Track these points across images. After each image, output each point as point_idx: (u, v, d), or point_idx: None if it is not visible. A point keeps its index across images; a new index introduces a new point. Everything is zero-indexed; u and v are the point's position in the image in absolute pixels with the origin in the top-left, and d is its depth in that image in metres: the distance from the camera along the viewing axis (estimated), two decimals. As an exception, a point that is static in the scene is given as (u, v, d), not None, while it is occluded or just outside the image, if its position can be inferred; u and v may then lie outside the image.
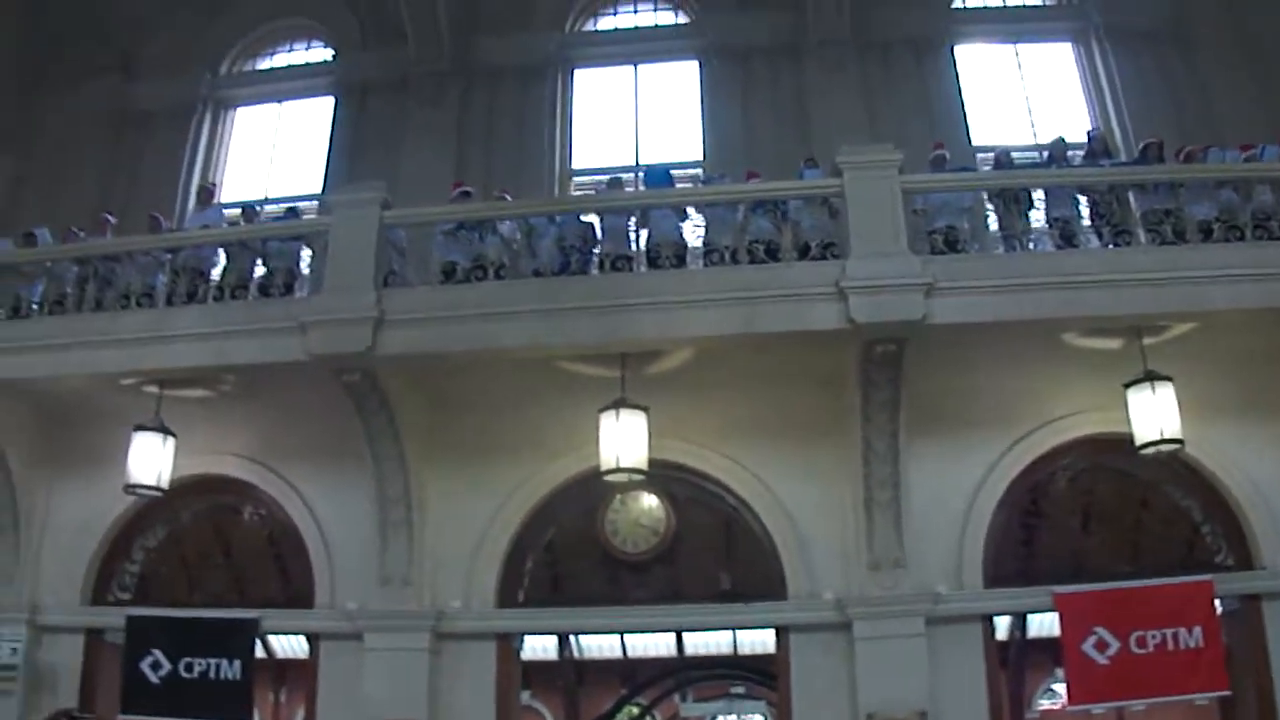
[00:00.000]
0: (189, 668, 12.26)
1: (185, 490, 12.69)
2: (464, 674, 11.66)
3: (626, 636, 19.39)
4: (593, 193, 14.00)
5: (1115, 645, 10.54)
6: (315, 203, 15.95)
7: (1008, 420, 11.33)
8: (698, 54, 16.89)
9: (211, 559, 13.13)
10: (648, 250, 11.17)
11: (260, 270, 12.14)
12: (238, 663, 12.19)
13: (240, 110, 18.62)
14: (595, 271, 11.14)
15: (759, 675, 18.52)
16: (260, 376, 11.53)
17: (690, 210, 11.31)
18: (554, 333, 10.49)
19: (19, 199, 17.57)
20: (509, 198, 12.48)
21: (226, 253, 12.30)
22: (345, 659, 11.85)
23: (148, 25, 18.65)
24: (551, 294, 10.61)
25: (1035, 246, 10.88)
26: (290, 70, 18.55)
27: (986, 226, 11.39)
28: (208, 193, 15.62)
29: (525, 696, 12.94)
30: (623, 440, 10.52)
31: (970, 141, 15.20)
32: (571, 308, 10.45)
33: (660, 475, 11.42)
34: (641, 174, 15.47)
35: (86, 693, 12.73)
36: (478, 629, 11.75)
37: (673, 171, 13.74)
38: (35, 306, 12.75)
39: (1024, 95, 16.16)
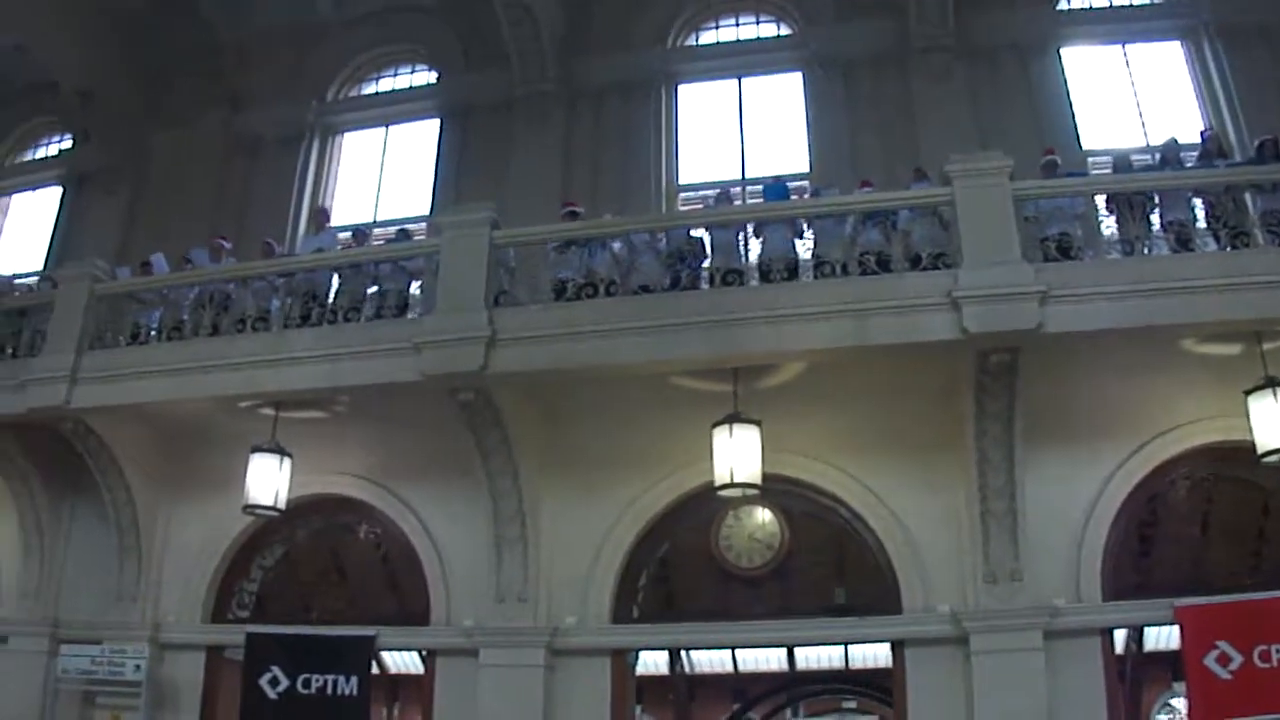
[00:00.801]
0: (307, 684, 12.81)
1: (302, 510, 13.40)
2: (579, 690, 12.01)
3: (738, 651, 19.56)
4: (700, 208, 14.30)
5: (1238, 659, 10.42)
6: (424, 224, 16.59)
7: (1125, 429, 11.33)
8: (801, 65, 17.10)
9: (328, 577, 13.81)
10: (759, 264, 11.49)
11: (373, 291, 12.70)
12: (355, 679, 12.74)
13: (348, 135, 19.37)
14: (706, 286, 11.37)
15: (871, 690, 18.71)
16: (374, 397, 12.07)
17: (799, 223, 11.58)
18: (666, 348, 10.76)
19: (134, 229, 18.55)
20: (616, 215, 12.94)
21: (339, 275, 12.90)
22: (461, 675, 12.30)
23: (254, 56, 19.62)
24: (663, 309, 10.89)
25: (1150, 251, 10.79)
26: (395, 94, 19.23)
27: (1100, 232, 11.51)
28: (323, 216, 16.26)
29: (636, 712, 13.19)
30: (736, 455, 10.79)
31: (1081, 146, 15.17)
32: (683, 323, 10.70)
33: (774, 490, 11.67)
34: (747, 188, 15.83)
35: (207, 709, 13.47)
36: (592, 645, 12.11)
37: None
38: (154, 333, 13.53)
39: (1134, 96, 16.07)
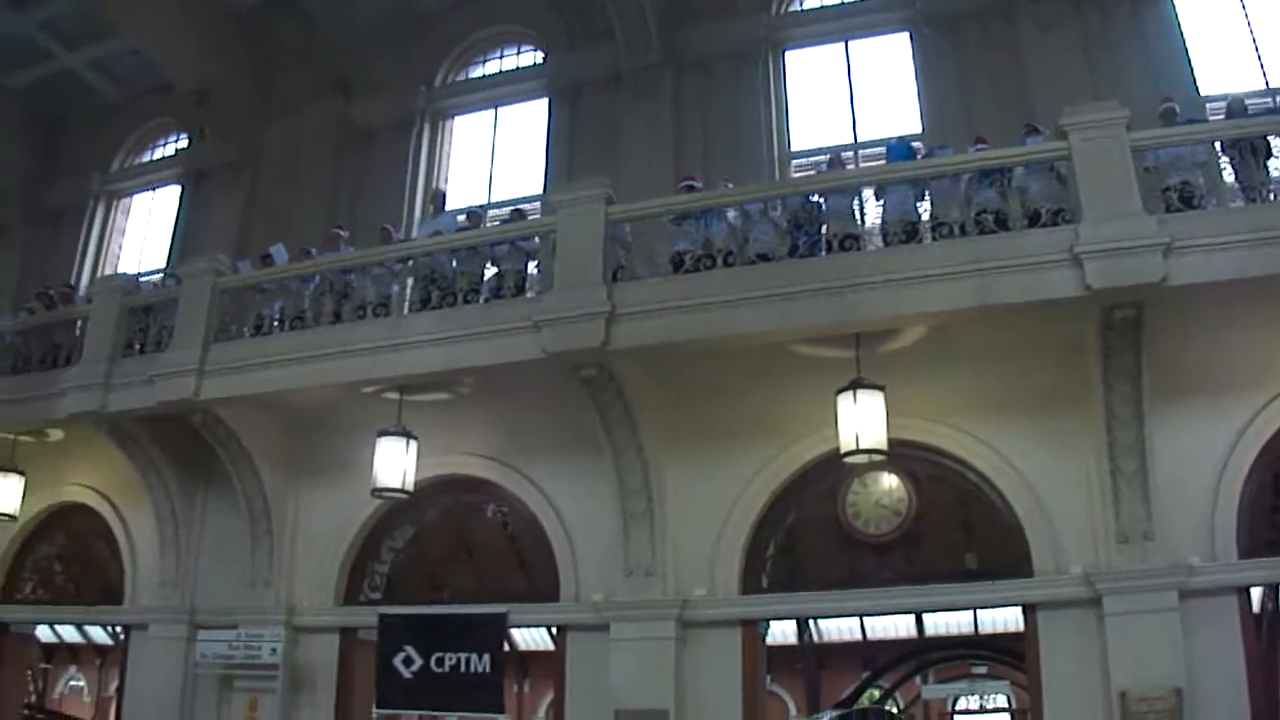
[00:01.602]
0: (440, 662, 13.54)
1: (429, 491, 14.10)
2: (709, 661, 12.42)
3: (866, 619, 19.75)
4: (813, 174, 14.46)
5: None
6: (538, 203, 17.12)
7: (1256, 381, 11.20)
8: (907, 25, 17.17)
9: (457, 556, 14.43)
10: (878, 227, 11.64)
11: (491, 273, 13.20)
12: (487, 656, 13.41)
13: (458, 119, 20.08)
14: (824, 252, 11.49)
15: (1002, 654, 18.90)
16: (497, 377, 12.61)
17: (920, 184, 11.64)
18: (786, 316, 10.99)
19: (252, 221, 19.46)
20: (730, 184, 13.18)
21: (457, 258, 13.40)
22: (592, 650, 12.87)
23: (362, 45, 20.34)
24: (781, 277, 11.10)
25: (1276, 197, 10.69)
26: (503, 76, 19.86)
27: (1223, 180, 11.39)
28: (439, 199, 16.87)
29: (766, 682, 13.53)
30: (861, 421, 11.06)
31: (1198, 91, 15.02)
32: (802, 290, 10.90)
33: (900, 455, 11.87)
34: (860, 151, 16.06)
35: (342, 689, 14.26)
36: (722, 616, 12.51)
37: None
38: (277, 323, 14.24)
39: (1251, 38, 15.72)
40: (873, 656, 24.05)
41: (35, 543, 17.86)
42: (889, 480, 12.48)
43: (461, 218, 15.80)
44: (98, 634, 26.18)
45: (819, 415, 11.62)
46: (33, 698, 24.62)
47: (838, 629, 23.10)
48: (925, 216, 11.48)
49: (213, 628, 14.87)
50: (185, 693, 14.77)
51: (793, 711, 25.13)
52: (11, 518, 16.57)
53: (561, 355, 11.77)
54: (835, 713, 21.86)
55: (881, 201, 11.67)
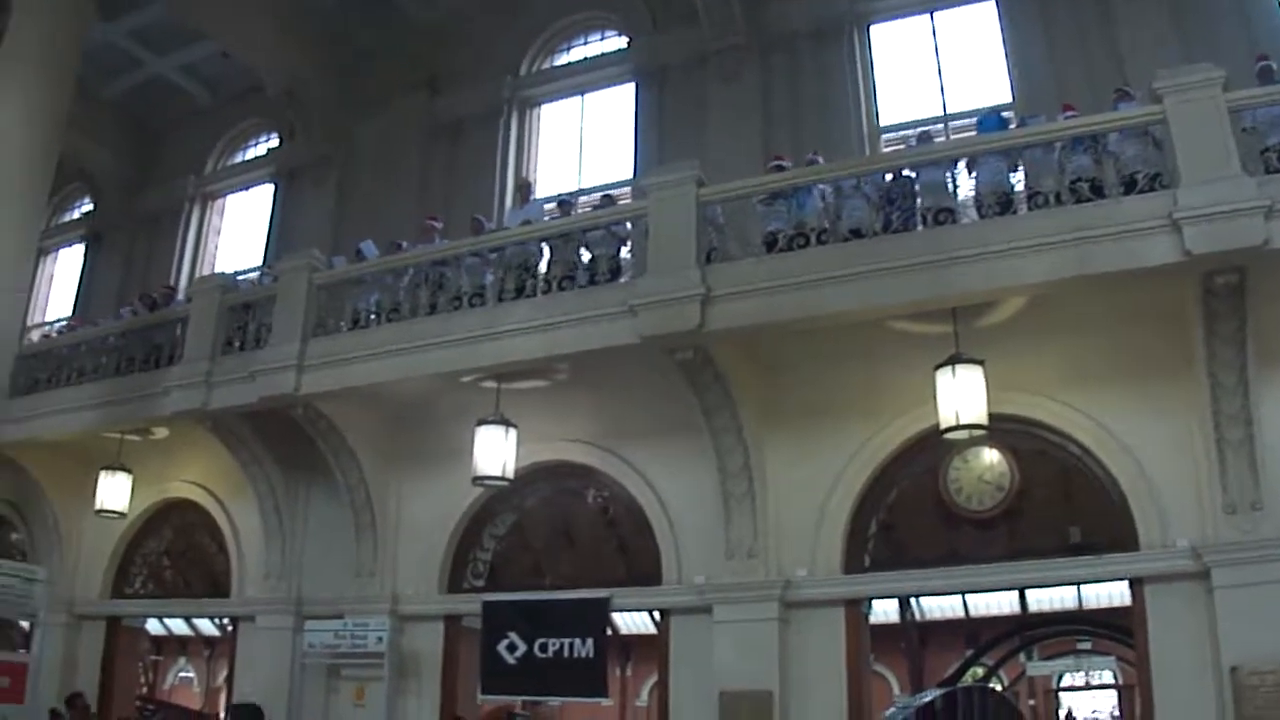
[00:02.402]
0: (544, 648, 13.85)
1: (529, 478, 14.43)
2: (813, 642, 12.55)
3: (968, 596, 19.68)
4: (903, 148, 14.50)
5: None
6: (629, 188, 17.34)
7: None
8: (994, -8, 17.06)
9: (558, 542, 14.75)
10: (972, 199, 11.59)
11: (584, 259, 13.35)
12: (590, 641, 13.68)
13: (545, 107, 20.39)
14: (918, 227, 11.43)
15: (1107, 630, 18.79)
16: (593, 362, 12.83)
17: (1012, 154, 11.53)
18: (881, 293, 11.00)
19: (344, 216, 19.97)
20: (821, 161, 13.16)
21: (550, 246, 13.62)
22: (695, 632, 13.06)
23: (447, 38, 20.82)
24: (876, 254, 11.12)
25: None
26: (588, 62, 20.12)
27: None
28: (526, 189, 17.15)
29: (870, 661, 13.62)
30: (961, 396, 11.06)
31: None
32: (897, 266, 10.89)
33: (1001, 429, 11.86)
34: (950, 123, 16.05)
35: (448, 676, 14.62)
36: (825, 596, 12.62)
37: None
38: (373, 316, 14.56)
39: None
40: (976, 634, 24.02)
41: (143, 538, 18.56)
42: (990, 455, 12.47)
43: (550, 205, 16.13)
44: (205, 626, 27.14)
45: (918, 391, 11.65)
46: (144, 689, 25.43)
47: (940, 607, 23.11)
48: (1019, 187, 11.45)
49: (319, 618, 15.36)
50: (293, 682, 15.25)
51: (896, 690, 25.16)
52: (121, 515, 17.23)
53: (657, 339, 11.94)
54: (939, 691, 21.87)
55: (974, 173, 11.63)
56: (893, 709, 20.01)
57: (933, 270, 10.80)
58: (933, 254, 10.84)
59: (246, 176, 23.52)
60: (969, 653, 22.68)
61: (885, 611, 17.34)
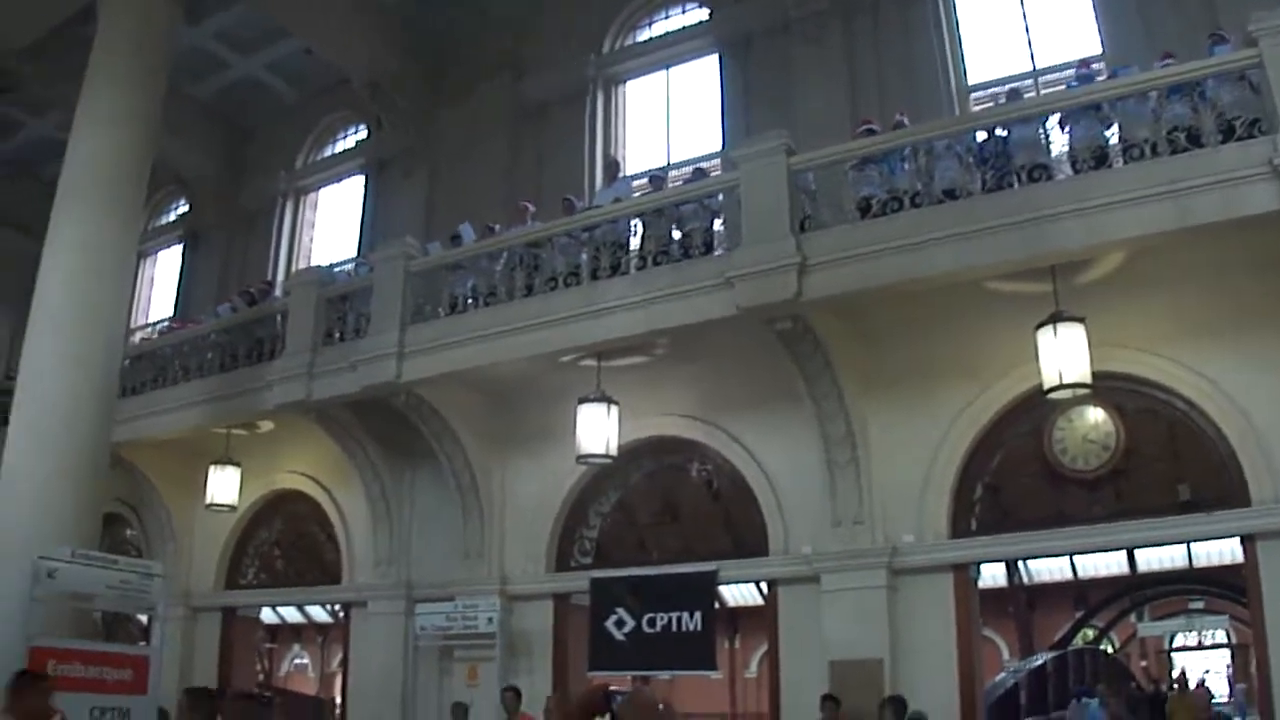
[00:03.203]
0: (652, 623, 14.13)
1: (633, 454, 14.73)
2: (922, 608, 12.64)
3: (1076, 558, 19.55)
4: (992, 106, 14.44)
5: None
6: (718, 160, 17.46)
7: None
8: (1082, -59, 16.74)
9: (663, 517, 14.99)
10: (1067, 155, 11.50)
11: (677, 234, 13.51)
12: (699, 614, 13.92)
13: (629, 83, 20.55)
14: (1013, 185, 11.33)
15: (1220, 588, 18.68)
16: (692, 336, 13.04)
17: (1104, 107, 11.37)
18: (978, 253, 11.02)
19: (436, 203, 20.36)
20: (907, 123, 13.22)
21: (642, 222, 13.82)
22: (803, 602, 13.24)
23: (529, 21, 21.04)
24: (971, 214, 11.13)
25: None
26: (670, 36, 20.18)
27: None
28: (615, 167, 17.37)
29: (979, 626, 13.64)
30: (1063, 355, 11.01)
31: None
32: (993, 225, 10.90)
33: (1104, 387, 11.80)
34: (1040, 78, 15.92)
35: (558, 654, 14.98)
36: (932, 561, 12.70)
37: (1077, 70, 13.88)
38: (470, 300, 14.87)
39: None
40: (1085, 596, 23.99)
41: (254, 530, 19.19)
42: (1095, 414, 12.42)
43: (640, 182, 16.34)
44: (318, 613, 27.80)
45: (1019, 351, 11.65)
46: (261, 676, 26.12)
47: (1048, 569, 22.99)
48: (1114, 140, 11.33)
49: (429, 600, 15.78)
50: (407, 664, 15.75)
51: (1005, 655, 25.20)
52: (231, 508, 17.78)
53: (755, 310, 12.08)
54: (1051, 655, 21.91)
55: (1067, 128, 11.57)
56: (1003, 674, 20.16)
57: (1029, 228, 10.77)
58: (1029, 212, 10.80)
59: (337, 169, 24.06)
60: (1078, 615, 22.70)
61: (993, 576, 17.29)
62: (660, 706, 2.11)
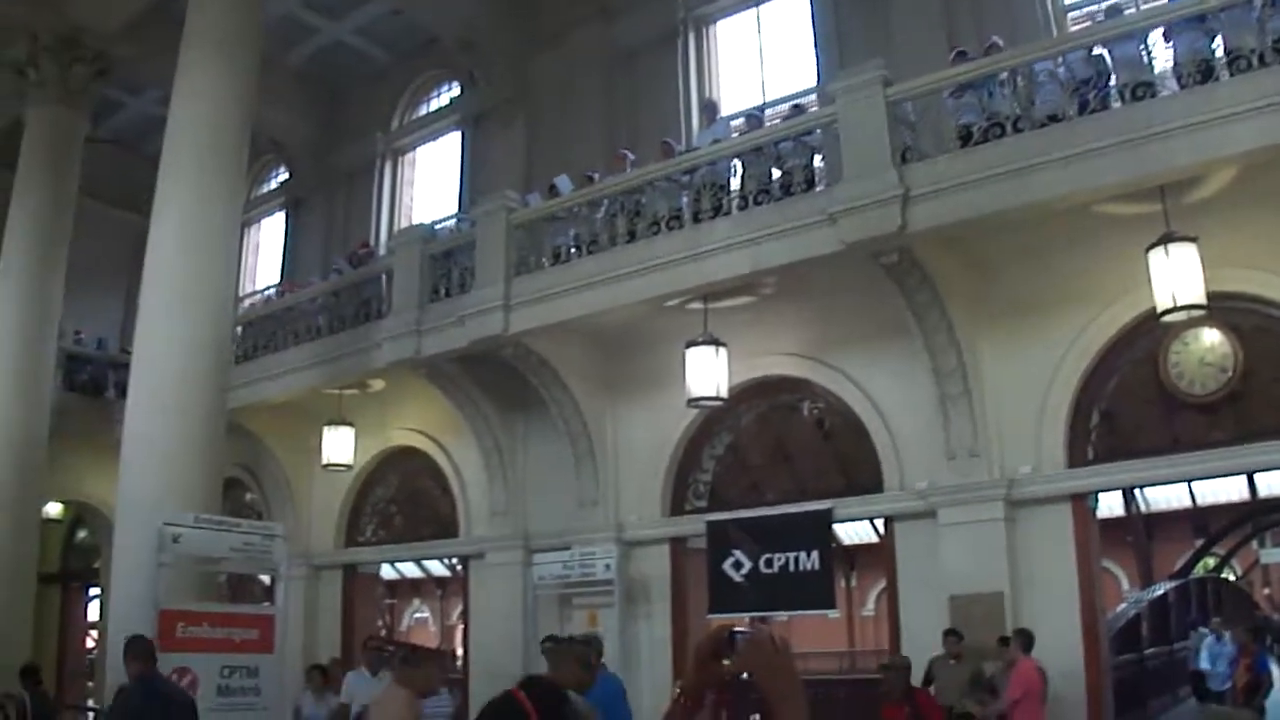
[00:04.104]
0: (769, 563, 14.37)
1: (743, 396, 14.93)
2: (1041, 540, 12.69)
3: (1195, 485, 19.41)
4: (1089, 24, 14.29)
5: None
6: (814, 95, 17.47)
7: None
8: None
9: (776, 457, 15.24)
10: (1171, 71, 11.27)
11: (777, 173, 13.57)
12: (815, 553, 14.14)
13: (720, 23, 20.57)
14: (1116, 105, 11.14)
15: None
16: (797, 274, 13.18)
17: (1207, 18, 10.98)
18: (1083, 177, 10.86)
19: (533, 154, 20.67)
20: (1001, 46, 13.05)
21: (742, 162, 13.93)
22: (920, 538, 13.40)
23: (617, -35, 21.01)
24: (1074, 137, 10.94)
25: None
26: (761, -28, 20.14)
27: None
28: (712, 108, 17.51)
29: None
30: (1175, 276, 10.93)
31: None
32: (1098, 147, 10.69)
33: (1220, 308, 11.66)
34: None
35: (677, 598, 15.30)
36: (1050, 492, 12.73)
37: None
38: (573, 250, 15.12)
39: None
40: (1204, 523, 23.82)
41: (370, 488, 19.81)
42: (1211, 336, 12.31)
43: (737, 122, 16.40)
44: (435, 567, 28.61)
45: (1130, 275, 11.62)
46: (383, 631, 26.84)
47: (1166, 498, 22.90)
48: (1219, 53, 11.04)
49: (546, 550, 16.21)
50: (526, 614, 16.16)
51: (1125, 586, 25.12)
52: (347, 467, 18.34)
53: (860, 244, 12.16)
54: (1171, 584, 21.84)
55: (1170, 43, 11.34)
56: (1124, 604, 20.14)
57: (1136, 148, 10.59)
58: (1134, 131, 10.61)
59: (433, 127, 24.51)
60: (1198, 544, 22.54)
61: (1109, 506, 17.18)
62: (779, 644, 2.24)
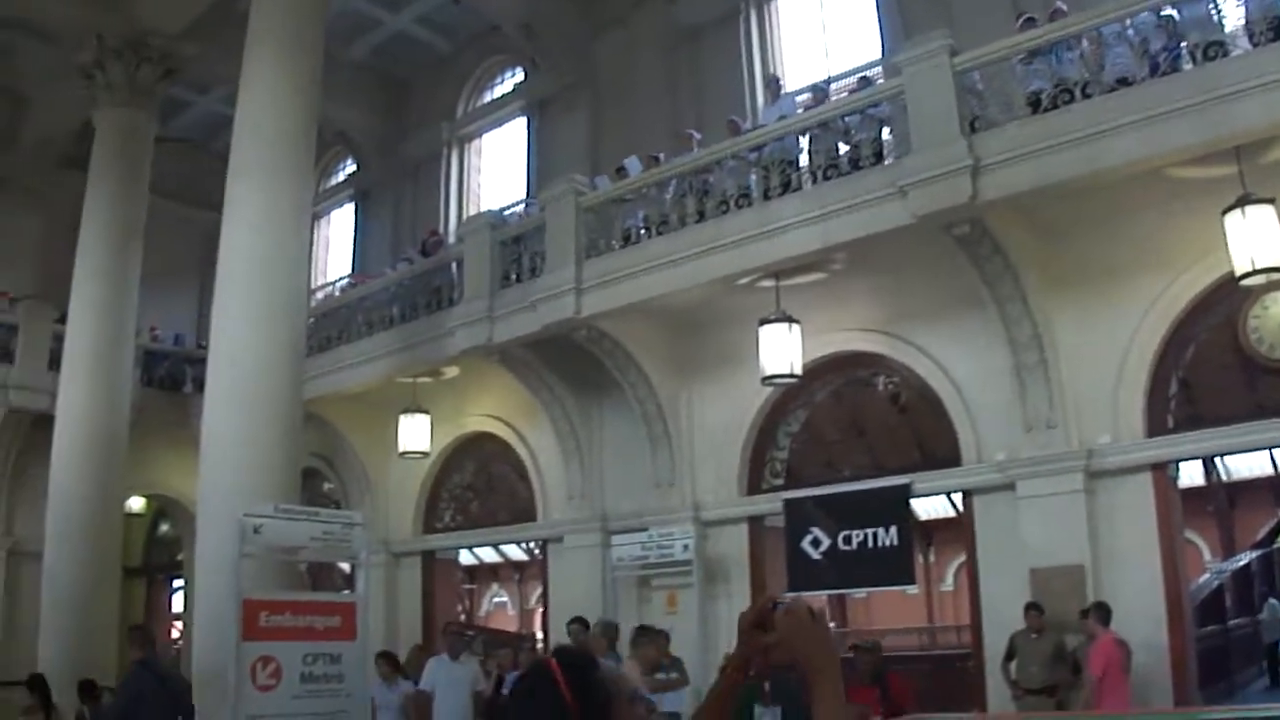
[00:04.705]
0: (848, 540, 14.43)
1: (817, 372, 15.01)
2: (1121, 511, 12.62)
3: (1277, 452, 19.20)
4: None
5: None
6: (880, 67, 17.36)
7: None
8: None
9: (851, 433, 15.34)
10: (1243, 29, 11.09)
11: (845, 147, 13.62)
12: (894, 528, 14.21)
13: (782, -1, 20.54)
14: (1187, 66, 11.00)
15: None
16: (869, 248, 13.17)
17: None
18: (1156, 141, 10.75)
19: (599, 137, 20.85)
20: (1066, 9, 12.99)
21: (809, 137, 13.98)
22: (999, 511, 13.38)
23: (679, -57, 21.05)
24: (1146, 100, 10.82)
25: None
26: (820, -57, 20.08)
27: None
28: (775, 84, 17.54)
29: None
30: (1253, 239, 10.79)
31: None
32: (1171, 109, 10.57)
33: None
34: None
35: (755, 576, 15.37)
36: (1130, 462, 12.64)
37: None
38: (643, 231, 15.25)
39: None
40: (1286, 491, 23.61)
41: (447, 474, 20.12)
42: (1293, 297, 12.16)
43: (803, 97, 16.44)
44: (513, 552, 28.94)
45: (1207, 239, 11.53)
46: (462, 616, 27.23)
47: (1247, 466, 22.66)
48: None
49: (624, 531, 16.39)
50: (606, 595, 16.38)
51: (1206, 556, 24.93)
52: (424, 454, 18.61)
53: (930, 216, 12.18)
54: (1254, 554, 21.64)
55: (1241, 1, 11.13)
56: (1207, 574, 20.00)
57: (1209, 109, 10.45)
58: (1206, 93, 10.46)
59: (498, 114, 24.77)
60: (1282, 511, 22.31)
61: (1190, 475, 17.04)
62: (813, 615, 2.30)
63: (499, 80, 24.94)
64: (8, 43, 23.23)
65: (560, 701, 2.34)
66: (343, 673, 12.65)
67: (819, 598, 14.93)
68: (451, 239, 21.17)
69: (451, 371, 18.19)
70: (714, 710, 2.66)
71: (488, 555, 29.99)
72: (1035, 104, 12.01)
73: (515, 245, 16.91)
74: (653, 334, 15.78)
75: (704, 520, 15.72)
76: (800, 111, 15.17)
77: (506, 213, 20.38)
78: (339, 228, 28.38)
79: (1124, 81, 11.43)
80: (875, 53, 18.25)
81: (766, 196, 13.89)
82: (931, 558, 26.55)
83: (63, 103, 23.29)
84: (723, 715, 2.66)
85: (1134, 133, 10.95)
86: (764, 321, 13.87)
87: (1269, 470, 22.68)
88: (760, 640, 2.48)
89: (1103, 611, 11.73)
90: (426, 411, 18.45)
